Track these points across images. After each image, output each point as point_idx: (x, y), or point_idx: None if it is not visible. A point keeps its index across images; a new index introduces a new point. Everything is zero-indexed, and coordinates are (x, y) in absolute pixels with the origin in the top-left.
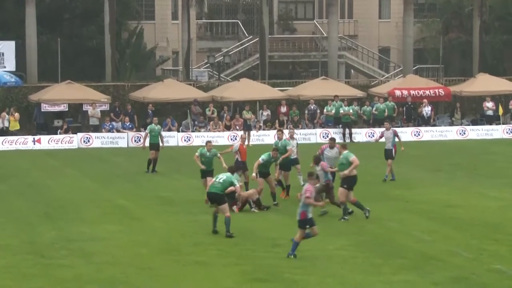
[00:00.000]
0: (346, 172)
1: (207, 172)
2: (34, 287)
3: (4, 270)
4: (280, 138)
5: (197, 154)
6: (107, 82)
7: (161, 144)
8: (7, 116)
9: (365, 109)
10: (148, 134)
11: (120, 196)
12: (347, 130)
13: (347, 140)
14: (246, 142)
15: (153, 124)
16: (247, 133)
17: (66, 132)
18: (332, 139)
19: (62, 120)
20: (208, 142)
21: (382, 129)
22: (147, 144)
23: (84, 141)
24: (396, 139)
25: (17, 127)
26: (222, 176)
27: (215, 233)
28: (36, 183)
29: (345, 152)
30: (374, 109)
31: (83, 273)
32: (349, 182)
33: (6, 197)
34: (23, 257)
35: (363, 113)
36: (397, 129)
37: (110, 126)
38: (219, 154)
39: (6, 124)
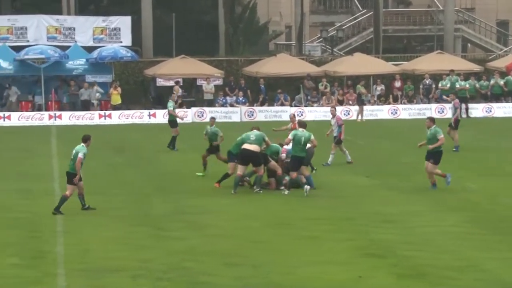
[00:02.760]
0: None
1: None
2: (148, 258)
3: (119, 241)
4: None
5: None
6: (221, 57)
7: (179, 120)
8: (180, 90)
9: (482, 84)
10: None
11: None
12: (463, 105)
13: (463, 116)
14: (360, 117)
15: (172, 102)
16: (360, 108)
17: (180, 106)
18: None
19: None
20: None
21: (497, 104)
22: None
23: (198, 116)
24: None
25: (119, 101)
26: (73, 151)
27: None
28: (150, 156)
29: (434, 127)
30: (492, 82)
31: (196, 245)
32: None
33: (122, 169)
34: (139, 229)
35: (480, 87)
36: None
37: (224, 100)
38: (220, 134)
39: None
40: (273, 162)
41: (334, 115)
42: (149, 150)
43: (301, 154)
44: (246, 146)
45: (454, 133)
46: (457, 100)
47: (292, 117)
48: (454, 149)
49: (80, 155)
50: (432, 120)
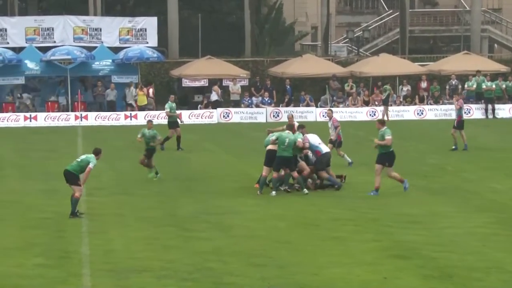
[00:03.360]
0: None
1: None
2: (174, 258)
3: (146, 242)
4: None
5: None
6: (246, 58)
7: (179, 121)
8: (220, 91)
9: (508, 84)
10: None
11: (258, 170)
12: (489, 106)
13: (490, 116)
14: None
15: (170, 102)
16: (385, 108)
17: (206, 107)
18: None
19: (202, 95)
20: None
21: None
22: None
23: (223, 116)
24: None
25: (145, 102)
26: (83, 156)
27: (74, 216)
28: (177, 156)
29: (384, 128)
30: None
31: (222, 246)
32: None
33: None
34: (165, 229)
35: (506, 88)
36: None
37: (249, 101)
38: (159, 137)
39: (215, 97)
40: (302, 163)
41: (330, 117)
42: (176, 150)
43: (284, 154)
44: (271, 147)
45: (460, 133)
46: (461, 101)
47: (290, 117)
48: (463, 149)
49: (91, 165)
50: (381, 122)
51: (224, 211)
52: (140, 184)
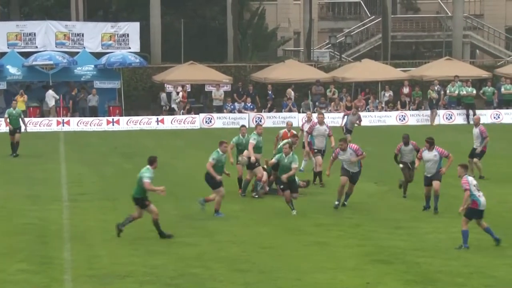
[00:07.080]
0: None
1: None
2: (158, 264)
3: (130, 247)
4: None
5: None
6: (229, 63)
7: (23, 127)
8: (292, 93)
9: (486, 90)
10: (8, 118)
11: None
12: (470, 112)
13: (471, 122)
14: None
15: (11, 109)
16: (433, 112)
17: (188, 112)
18: (343, 140)
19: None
20: None
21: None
22: (7, 129)
23: (206, 122)
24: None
25: (23, 108)
26: None
27: None
28: (160, 162)
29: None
30: (503, 89)
31: (206, 251)
32: None
33: (132, 175)
34: (148, 235)
35: (483, 93)
36: None
37: (232, 107)
38: None
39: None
40: (259, 167)
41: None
42: (159, 156)
43: None
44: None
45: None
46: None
47: (290, 125)
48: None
49: None
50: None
51: (209, 216)
52: (124, 189)
